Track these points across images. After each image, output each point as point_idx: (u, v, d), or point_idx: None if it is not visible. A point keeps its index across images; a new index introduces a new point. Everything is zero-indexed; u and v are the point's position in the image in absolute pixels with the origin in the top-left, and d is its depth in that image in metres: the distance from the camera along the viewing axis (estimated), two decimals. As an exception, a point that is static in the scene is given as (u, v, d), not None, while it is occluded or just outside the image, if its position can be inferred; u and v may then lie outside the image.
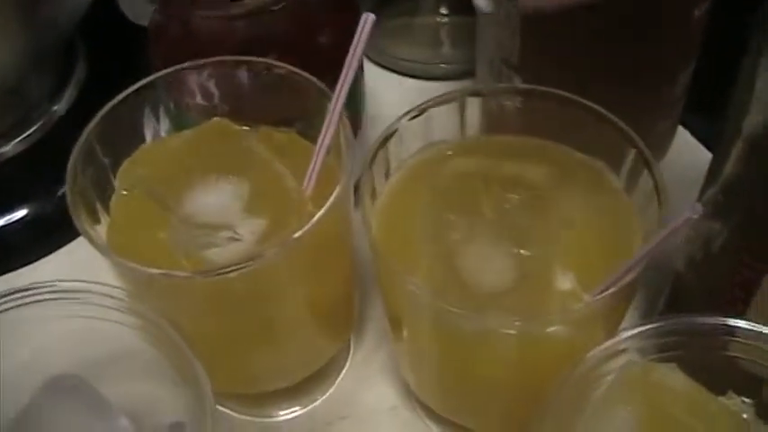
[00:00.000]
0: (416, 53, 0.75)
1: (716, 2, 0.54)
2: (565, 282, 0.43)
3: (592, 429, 0.41)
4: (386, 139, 0.46)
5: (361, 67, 0.62)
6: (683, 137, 0.66)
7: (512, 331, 0.41)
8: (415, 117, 0.47)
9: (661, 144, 0.63)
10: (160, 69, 0.50)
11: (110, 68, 0.70)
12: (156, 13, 0.58)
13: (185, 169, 0.48)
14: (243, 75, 0.50)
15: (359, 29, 0.44)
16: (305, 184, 0.46)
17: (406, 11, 0.76)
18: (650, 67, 0.56)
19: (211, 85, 0.51)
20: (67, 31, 0.65)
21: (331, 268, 0.49)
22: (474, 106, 0.48)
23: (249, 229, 0.46)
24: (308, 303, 0.49)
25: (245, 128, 0.50)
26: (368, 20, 0.43)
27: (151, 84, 0.49)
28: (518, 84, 0.56)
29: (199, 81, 0.51)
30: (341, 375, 0.58)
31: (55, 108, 0.69)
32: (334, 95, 0.45)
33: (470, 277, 0.44)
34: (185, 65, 0.49)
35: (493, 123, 0.49)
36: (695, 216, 0.36)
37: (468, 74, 0.67)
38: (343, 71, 0.44)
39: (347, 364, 0.58)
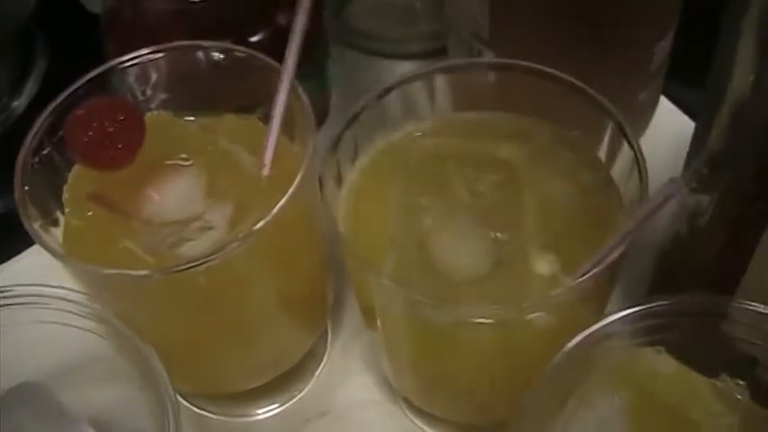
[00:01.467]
0: (391, 32, 0.73)
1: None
2: (544, 265, 0.41)
3: (579, 417, 0.39)
4: (351, 119, 0.44)
5: (326, 51, 0.60)
6: (666, 107, 0.64)
7: (489, 320, 0.39)
8: (381, 97, 0.45)
9: (643, 115, 0.62)
10: (113, 57, 0.47)
11: (70, 60, 0.67)
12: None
13: (135, 171, 0.45)
14: (201, 60, 0.48)
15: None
16: (262, 163, 0.44)
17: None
18: (626, 37, 0.54)
19: (169, 73, 0.49)
20: (20, 22, 0.63)
21: (300, 256, 0.47)
22: (444, 83, 0.46)
23: (219, 215, 0.44)
24: (278, 294, 0.47)
25: (192, 118, 0.49)
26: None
27: (105, 73, 0.47)
28: (489, 58, 0.54)
29: (155, 69, 0.48)
30: (319, 369, 0.56)
31: (15, 104, 0.67)
32: (283, 66, 0.43)
33: (445, 265, 0.42)
34: (140, 52, 0.47)
35: (465, 100, 0.47)
36: (675, 193, 0.34)
37: (444, 51, 0.64)
38: (290, 41, 0.42)
39: (325, 356, 0.56)
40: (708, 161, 0.42)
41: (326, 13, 0.72)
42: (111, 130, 0.44)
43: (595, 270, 0.37)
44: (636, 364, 0.40)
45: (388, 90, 0.45)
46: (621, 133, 0.42)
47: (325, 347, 0.56)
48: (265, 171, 0.44)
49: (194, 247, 0.43)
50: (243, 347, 0.48)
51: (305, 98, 0.44)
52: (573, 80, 0.44)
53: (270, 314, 0.47)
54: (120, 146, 0.44)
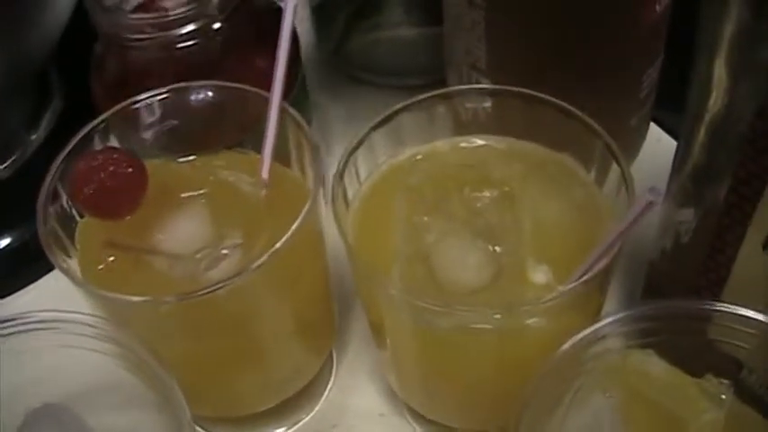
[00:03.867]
0: (387, 66, 0.75)
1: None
2: (539, 274, 0.43)
3: (572, 417, 0.42)
4: (355, 147, 0.47)
5: (303, 83, 0.63)
6: (656, 133, 0.67)
7: (490, 326, 0.42)
8: (383, 124, 0.48)
9: (634, 140, 0.64)
10: (102, 104, 0.51)
11: (85, 95, 0.70)
12: (96, 45, 0.59)
13: (142, 213, 0.48)
14: (196, 100, 0.51)
15: (285, 14, 0.45)
16: (261, 185, 0.47)
17: (376, 25, 0.76)
18: (615, 66, 0.57)
19: (166, 116, 0.51)
20: (41, 60, 0.66)
21: (309, 277, 0.50)
22: (442, 110, 0.49)
23: (230, 242, 0.47)
24: (291, 315, 0.49)
25: (191, 157, 0.51)
26: (290, 4, 0.45)
27: (105, 121, 0.50)
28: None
29: (153, 113, 0.51)
30: (327, 388, 0.58)
31: (33, 137, 0.69)
32: (271, 93, 0.46)
33: (447, 276, 0.44)
34: (134, 99, 0.50)
35: (462, 125, 0.50)
36: (655, 200, 0.37)
37: (442, 82, 0.67)
38: (277, 62, 0.46)
39: (332, 376, 0.59)
40: (690, 176, 0.45)
41: (328, 47, 0.76)
42: (110, 183, 0.45)
43: (585, 276, 0.40)
44: (627, 365, 0.42)
45: (390, 117, 0.48)
46: (610, 153, 0.45)
47: (332, 369, 0.59)
48: (264, 191, 0.47)
49: (213, 274, 0.45)
50: (257, 370, 0.50)
51: (303, 122, 0.47)
52: (563, 104, 0.46)
53: (283, 335, 0.50)
54: (121, 197, 0.46)
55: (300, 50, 0.63)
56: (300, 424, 0.57)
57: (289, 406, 0.55)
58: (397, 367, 0.50)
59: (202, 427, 0.57)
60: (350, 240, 0.45)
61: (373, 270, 0.43)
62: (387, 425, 0.56)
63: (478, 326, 0.42)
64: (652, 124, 0.66)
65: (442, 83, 0.65)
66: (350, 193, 0.48)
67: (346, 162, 0.46)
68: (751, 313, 0.41)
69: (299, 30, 0.75)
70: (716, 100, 0.40)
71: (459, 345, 0.44)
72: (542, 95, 0.47)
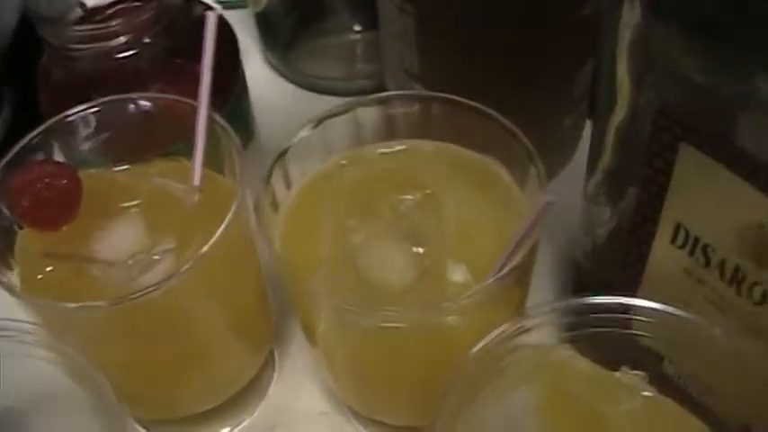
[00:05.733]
0: (334, 71, 0.77)
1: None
2: (458, 274, 0.45)
3: (492, 413, 0.43)
4: (283, 152, 0.48)
5: (244, 89, 0.65)
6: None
7: (411, 325, 0.43)
8: (311, 129, 0.49)
9: (570, 140, 0.66)
10: (49, 114, 0.51)
11: (34, 106, 0.71)
12: (44, 56, 0.60)
13: (79, 223, 0.49)
14: (131, 111, 0.52)
15: (206, 27, 0.46)
16: (192, 189, 0.48)
17: (321, 32, 0.78)
18: (548, 67, 0.59)
19: (103, 126, 0.53)
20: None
21: (242, 281, 0.51)
22: (369, 115, 0.50)
23: (163, 247, 0.48)
24: (226, 317, 0.50)
25: (125, 167, 0.53)
26: (211, 18, 0.47)
27: (44, 131, 0.51)
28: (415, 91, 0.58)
29: (90, 123, 0.52)
30: (270, 388, 0.59)
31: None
32: (199, 100, 0.48)
33: (373, 278, 0.46)
34: (74, 109, 0.51)
35: (389, 130, 0.51)
36: (552, 200, 0.38)
37: (383, 88, 0.68)
38: (201, 70, 0.47)
39: (274, 376, 0.60)
40: (603, 177, 0.46)
41: (275, 55, 0.77)
42: (46, 194, 0.46)
43: (498, 274, 0.41)
44: (545, 360, 0.44)
45: (318, 122, 0.49)
46: (527, 154, 0.46)
47: (274, 367, 0.60)
48: (196, 197, 0.48)
49: (146, 279, 0.46)
50: (195, 372, 0.51)
51: (230, 131, 0.48)
52: (485, 108, 0.48)
53: (219, 338, 0.51)
54: (57, 208, 0.47)
55: (241, 58, 0.64)
56: (244, 424, 0.58)
57: (232, 406, 0.56)
58: (330, 367, 0.51)
59: (147, 429, 0.58)
60: (278, 245, 0.46)
61: (298, 273, 0.44)
62: (329, 424, 0.57)
63: (400, 325, 0.43)
64: (588, 121, 0.67)
65: (383, 88, 0.67)
66: (279, 198, 0.49)
67: (272, 168, 0.47)
68: (664, 307, 0.42)
69: (246, 38, 0.77)
70: (621, 102, 0.42)
71: (383, 344, 0.45)
72: (464, 100, 0.48)
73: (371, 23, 0.74)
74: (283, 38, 0.78)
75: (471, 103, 0.48)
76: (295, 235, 0.48)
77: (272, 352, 0.60)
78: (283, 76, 0.79)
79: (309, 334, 0.50)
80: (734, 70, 0.35)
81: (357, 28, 0.77)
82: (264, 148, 0.67)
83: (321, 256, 0.47)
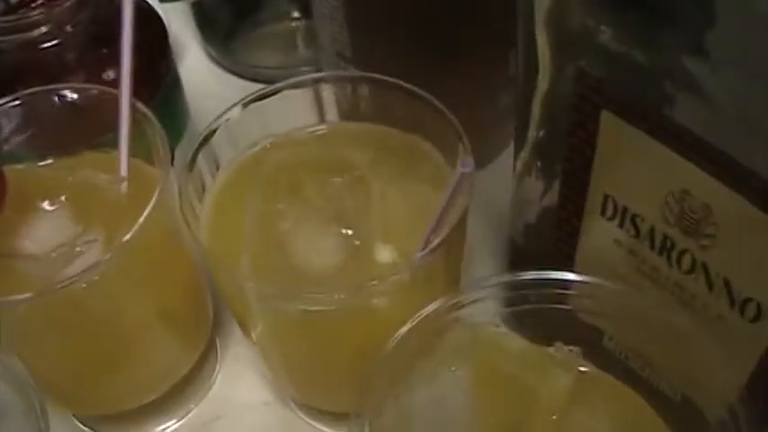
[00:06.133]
0: (274, 60, 0.76)
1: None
2: (388, 254, 0.44)
3: (422, 395, 0.42)
4: (209, 135, 0.47)
5: (176, 80, 0.64)
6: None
7: (338, 307, 0.42)
8: (239, 112, 0.48)
9: (506, 119, 0.65)
10: None
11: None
12: None
13: (8, 219, 0.48)
14: (56, 103, 0.51)
15: (123, 12, 0.46)
16: (119, 179, 0.48)
17: (259, 21, 0.77)
18: (480, 47, 0.58)
19: (26, 119, 0.51)
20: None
21: (171, 272, 0.50)
22: (297, 97, 0.50)
23: (89, 237, 0.47)
24: (156, 308, 0.50)
25: (50, 160, 0.52)
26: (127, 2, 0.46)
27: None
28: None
29: (12, 117, 0.51)
30: (213, 379, 0.58)
31: None
32: (119, 87, 0.47)
33: (301, 262, 0.45)
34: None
35: (318, 112, 0.51)
36: (466, 170, 0.37)
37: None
38: (121, 59, 0.46)
39: (217, 367, 0.59)
40: (529, 151, 0.46)
41: (214, 47, 0.76)
42: None
43: (424, 251, 0.41)
44: (476, 339, 0.43)
45: (244, 105, 0.49)
46: (455, 133, 0.45)
47: (217, 358, 0.59)
48: (123, 187, 0.47)
49: (70, 271, 0.45)
50: (128, 365, 0.50)
51: (152, 117, 0.48)
52: (412, 88, 0.47)
53: (150, 328, 0.50)
54: None
55: (172, 48, 0.63)
56: (188, 416, 0.57)
57: (175, 399, 0.56)
58: (265, 356, 0.50)
59: (89, 427, 0.57)
60: (204, 232, 0.45)
61: (223, 260, 0.44)
62: (271, 413, 0.56)
63: (327, 308, 0.42)
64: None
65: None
66: (208, 185, 0.48)
67: (196, 152, 0.47)
68: (598, 281, 0.42)
69: (186, 31, 0.76)
70: (543, 73, 0.41)
71: (312, 328, 0.44)
72: (392, 80, 0.48)
73: (310, 10, 0.74)
74: (221, 29, 0.77)
75: (399, 82, 0.48)
76: (221, 221, 0.47)
77: (214, 342, 0.59)
78: (224, 67, 0.78)
79: (241, 323, 0.49)
80: (647, 39, 0.35)
81: (295, 15, 0.76)
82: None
83: (247, 241, 0.46)
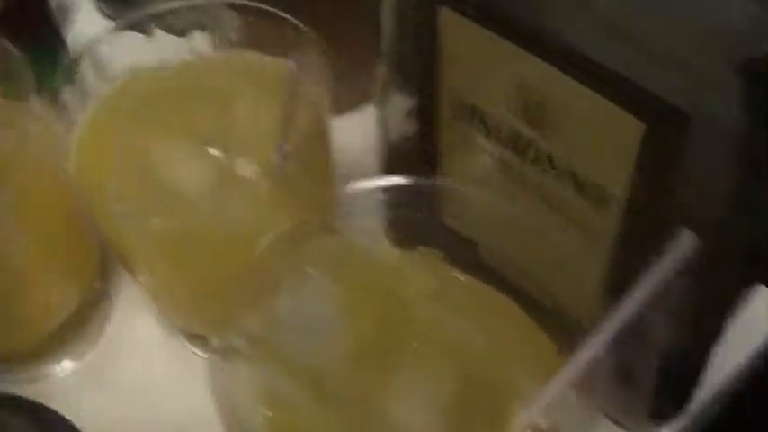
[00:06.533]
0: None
1: None
2: (247, 169, 0.45)
3: (291, 302, 0.42)
4: (72, 68, 0.48)
5: (61, 42, 0.64)
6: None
7: (208, 228, 0.43)
8: (106, 40, 0.49)
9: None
10: None
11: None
12: None
13: None
14: None
15: None
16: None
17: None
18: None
19: None
20: None
21: (46, 208, 0.50)
22: (162, 29, 0.50)
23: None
24: (34, 238, 0.50)
25: None
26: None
27: None
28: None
29: None
30: (107, 319, 0.58)
31: None
32: None
33: (171, 186, 0.46)
34: None
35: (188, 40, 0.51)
36: (294, 71, 0.38)
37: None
38: None
39: (112, 307, 0.59)
40: (387, 64, 0.46)
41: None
42: None
43: (278, 158, 0.41)
44: (344, 246, 0.44)
45: (113, 35, 0.49)
46: (323, 54, 0.46)
47: (110, 298, 0.59)
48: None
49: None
50: (11, 297, 0.51)
51: (16, 52, 0.48)
52: (278, 12, 0.48)
53: (30, 256, 0.50)
54: None
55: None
56: (84, 357, 0.57)
57: (69, 339, 0.56)
58: (145, 287, 0.51)
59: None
60: (74, 164, 0.45)
61: (94, 192, 0.44)
62: (165, 351, 0.57)
63: (192, 224, 0.43)
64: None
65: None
66: (76, 120, 0.48)
67: (62, 87, 0.47)
68: (460, 186, 0.43)
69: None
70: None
71: (186, 252, 0.45)
72: (259, 5, 0.48)
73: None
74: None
75: (265, 7, 0.48)
76: (91, 153, 0.47)
77: (106, 290, 0.59)
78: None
79: (120, 258, 0.49)
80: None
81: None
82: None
83: (116, 169, 0.46)
